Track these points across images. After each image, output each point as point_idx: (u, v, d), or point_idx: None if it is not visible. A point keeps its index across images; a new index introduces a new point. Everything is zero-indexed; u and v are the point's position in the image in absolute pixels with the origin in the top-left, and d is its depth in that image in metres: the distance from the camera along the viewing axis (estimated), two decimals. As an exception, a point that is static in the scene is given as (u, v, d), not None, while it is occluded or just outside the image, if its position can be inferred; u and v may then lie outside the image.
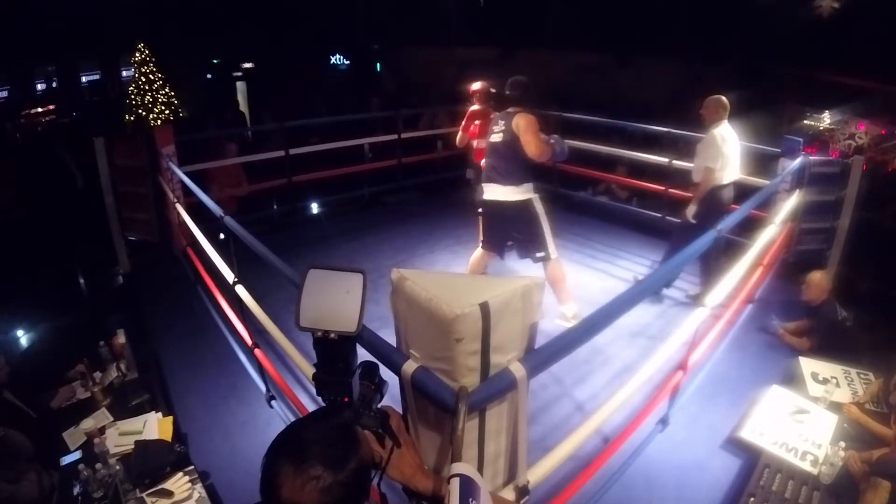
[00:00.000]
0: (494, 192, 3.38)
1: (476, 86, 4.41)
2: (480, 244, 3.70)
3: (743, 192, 3.90)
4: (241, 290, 2.74)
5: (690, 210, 3.71)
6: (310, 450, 0.77)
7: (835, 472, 2.30)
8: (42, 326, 4.16)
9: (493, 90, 4.34)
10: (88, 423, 2.58)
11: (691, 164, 4.74)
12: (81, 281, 4.79)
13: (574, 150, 5.70)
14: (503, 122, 3.33)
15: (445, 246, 4.82)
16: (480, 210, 3.59)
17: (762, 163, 4.59)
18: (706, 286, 3.65)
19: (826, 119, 7.86)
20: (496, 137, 3.34)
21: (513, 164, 3.30)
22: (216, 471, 2.48)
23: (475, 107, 4.45)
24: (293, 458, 0.76)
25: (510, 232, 3.47)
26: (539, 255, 3.43)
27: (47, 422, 2.69)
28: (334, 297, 0.91)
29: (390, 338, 1.40)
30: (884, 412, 2.60)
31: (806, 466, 2.38)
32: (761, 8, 8.15)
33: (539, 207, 3.41)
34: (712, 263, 3.63)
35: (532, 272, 3.86)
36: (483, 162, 3.61)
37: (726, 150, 3.57)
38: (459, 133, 4.43)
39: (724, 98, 3.62)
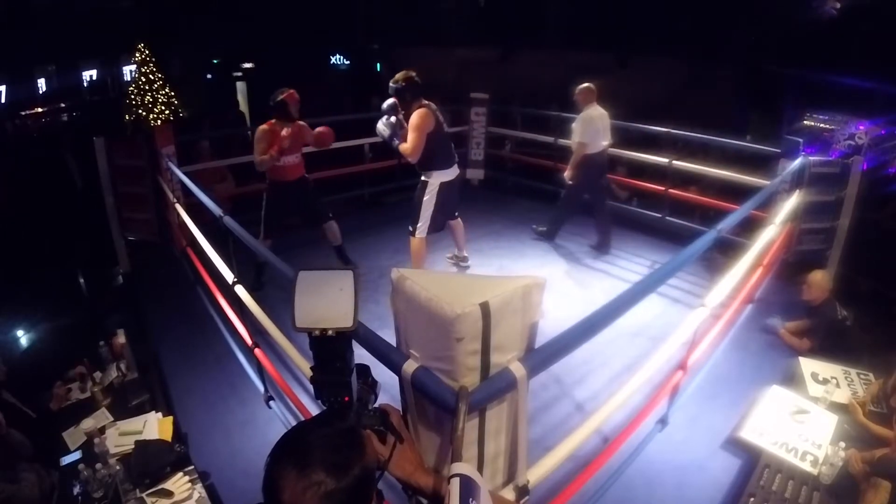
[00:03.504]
0: (457, 169, 3.86)
1: None
2: (424, 230, 3.75)
3: (743, 192, 3.91)
4: (240, 290, 2.73)
5: (567, 174, 4.61)
6: (312, 454, 0.76)
7: (835, 472, 2.30)
8: (42, 326, 4.16)
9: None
10: (88, 423, 2.58)
11: (691, 165, 4.96)
12: (81, 281, 4.78)
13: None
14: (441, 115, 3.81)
15: (445, 245, 4.80)
16: (446, 189, 3.75)
17: (762, 163, 4.59)
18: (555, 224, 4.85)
19: (826, 119, 7.86)
20: (446, 127, 3.83)
21: None
22: (216, 471, 2.48)
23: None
24: (295, 462, 0.75)
25: (456, 200, 3.92)
26: (456, 213, 4.05)
27: (47, 422, 2.69)
28: (328, 296, 0.91)
29: (390, 338, 1.40)
30: (884, 413, 2.60)
31: (806, 466, 2.38)
32: (761, 8, 8.16)
33: None
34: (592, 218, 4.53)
35: (531, 273, 3.86)
36: (440, 149, 3.73)
37: (595, 127, 4.41)
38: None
39: (591, 85, 4.48)
